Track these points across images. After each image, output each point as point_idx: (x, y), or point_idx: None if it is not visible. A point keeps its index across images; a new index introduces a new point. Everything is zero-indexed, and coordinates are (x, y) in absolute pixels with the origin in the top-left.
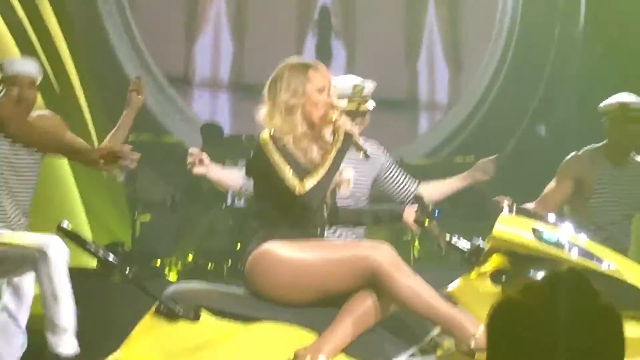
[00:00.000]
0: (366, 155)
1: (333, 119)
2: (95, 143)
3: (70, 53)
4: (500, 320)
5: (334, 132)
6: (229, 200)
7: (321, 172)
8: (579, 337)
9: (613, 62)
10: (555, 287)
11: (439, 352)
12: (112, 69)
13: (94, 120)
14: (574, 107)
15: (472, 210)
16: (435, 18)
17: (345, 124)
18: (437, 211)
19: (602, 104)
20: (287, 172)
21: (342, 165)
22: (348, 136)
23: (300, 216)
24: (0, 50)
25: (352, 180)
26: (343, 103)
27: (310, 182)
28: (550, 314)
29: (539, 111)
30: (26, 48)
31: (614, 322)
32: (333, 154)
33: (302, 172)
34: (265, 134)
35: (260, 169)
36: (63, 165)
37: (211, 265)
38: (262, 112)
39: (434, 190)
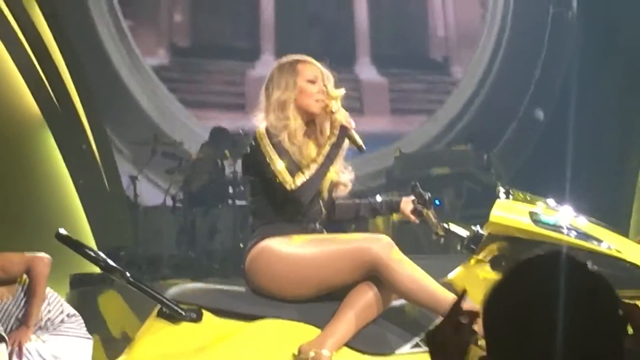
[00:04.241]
0: (361, 149)
1: (333, 110)
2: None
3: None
4: (494, 301)
5: (330, 125)
6: (230, 199)
7: (313, 168)
8: (573, 315)
9: (608, 43)
10: (546, 266)
11: None
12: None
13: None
14: (573, 90)
15: (472, 199)
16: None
17: (341, 117)
18: (436, 200)
19: None
20: (280, 168)
21: (342, 165)
22: (343, 130)
23: (295, 211)
24: None
25: (351, 183)
26: (342, 92)
27: (301, 178)
28: (544, 293)
29: (536, 96)
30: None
31: (609, 299)
32: (327, 149)
33: (296, 168)
34: (261, 129)
35: (255, 164)
36: (62, 171)
37: (215, 265)
38: (259, 117)
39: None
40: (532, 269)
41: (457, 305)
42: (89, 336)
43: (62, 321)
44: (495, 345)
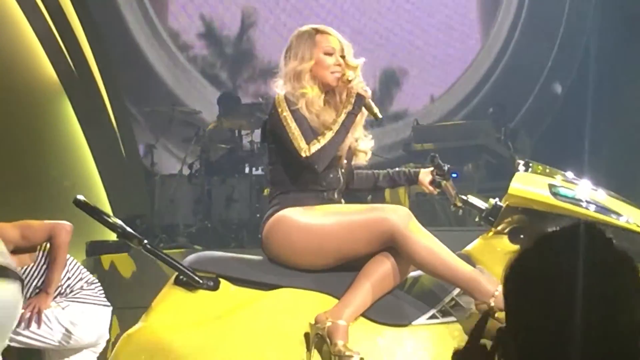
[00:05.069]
0: (377, 117)
1: (349, 79)
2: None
3: (85, 33)
4: (516, 272)
5: (347, 94)
6: (247, 169)
7: (328, 136)
8: (594, 287)
9: (627, 16)
10: (568, 238)
11: (459, 313)
12: (126, 44)
13: (110, 100)
14: (591, 63)
15: (490, 171)
16: None
17: (358, 85)
18: (453, 173)
19: None
20: (296, 134)
21: (362, 132)
22: (360, 98)
23: (312, 180)
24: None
25: (371, 151)
26: (361, 61)
27: (316, 146)
28: (567, 264)
29: (554, 69)
30: (43, 32)
31: (630, 270)
32: (342, 116)
33: (312, 135)
34: (280, 95)
35: (273, 131)
36: (80, 139)
37: (231, 234)
38: (279, 83)
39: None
40: (556, 241)
41: (480, 326)
42: (108, 303)
43: (81, 288)
44: (515, 316)
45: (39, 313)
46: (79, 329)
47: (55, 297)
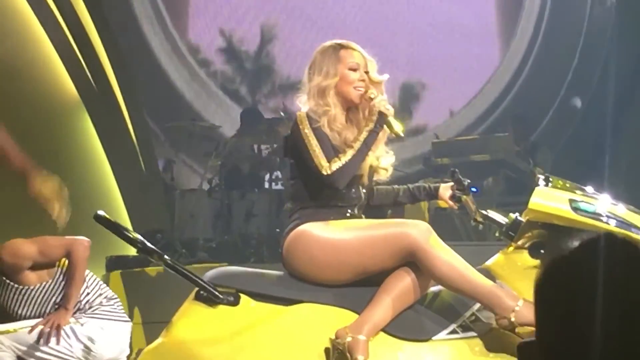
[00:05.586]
0: (399, 136)
1: (372, 96)
2: (136, 142)
3: (104, 47)
4: (547, 284)
5: (369, 112)
6: (267, 183)
7: (349, 154)
8: (629, 302)
9: None
10: (602, 249)
11: (479, 328)
12: (145, 57)
13: (130, 115)
14: (611, 77)
15: (510, 186)
16: None
17: (380, 103)
18: (474, 187)
19: None
20: (317, 152)
21: (383, 149)
22: (382, 116)
23: (332, 196)
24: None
25: (392, 168)
26: (385, 77)
27: (337, 164)
28: (598, 276)
29: (574, 84)
30: (63, 47)
31: None
32: (364, 134)
33: (333, 153)
34: (302, 113)
35: (294, 148)
36: (99, 153)
37: (250, 249)
38: (302, 99)
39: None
40: (588, 252)
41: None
42: (128, 319)
43: (100, 304)
44: (546, 328)
45: (58, 329)
46: (98, 345)
47: (75, 313)
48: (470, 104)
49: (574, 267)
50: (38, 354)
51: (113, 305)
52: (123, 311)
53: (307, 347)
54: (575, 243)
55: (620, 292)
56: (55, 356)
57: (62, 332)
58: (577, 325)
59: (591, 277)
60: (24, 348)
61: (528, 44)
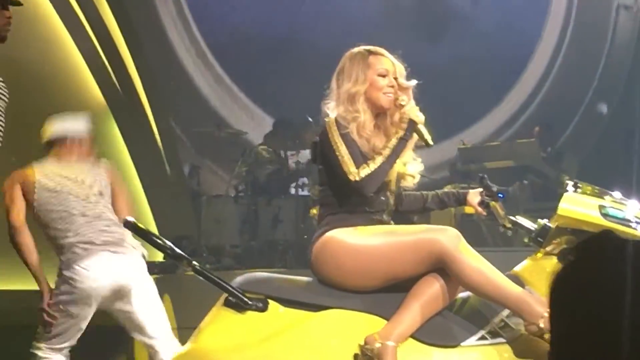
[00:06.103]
0: (428, 144)
1: (402, 103)
2: (161, 148)
3: (130, 52)
4: (560, 288)
5: (399, 119)
6: (293, 190)
7: (378, 161)
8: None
9: None
10: (614, 251)
11: (508, 334)
12: (171, 65)
13: (156, 121)
14: (637, 83)
15: (535, 191)
16: None
17: (411, 111)
18: (501, 193)
19: None
20: (346, 159)
21: (411, 156)
22: (412, 124)
23: (361, 203)
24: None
25: (419, 174)
26: (413, 83)
27: (365, 170)
28: (612, 277)
29: (600, 89)
30: (89, 53)
31: None
32: (393, 142)
33: (362, 159)
34: (331, 119)
35: (323, 154)
36: (126, 161)
37: (277, 255)
38: (330, 105)
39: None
40: (600, 254)
41: None
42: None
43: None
44: (561, 334)
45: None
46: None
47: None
48: (497, 110)
49: (582, 275)
50: None
51: None
52: None
53: (335, 353)
54: (582, 246)
55: (633, 295)
56: None
57: None
58: (590, 329)
59: (603, 281)
60: None
61: (553, 51)
